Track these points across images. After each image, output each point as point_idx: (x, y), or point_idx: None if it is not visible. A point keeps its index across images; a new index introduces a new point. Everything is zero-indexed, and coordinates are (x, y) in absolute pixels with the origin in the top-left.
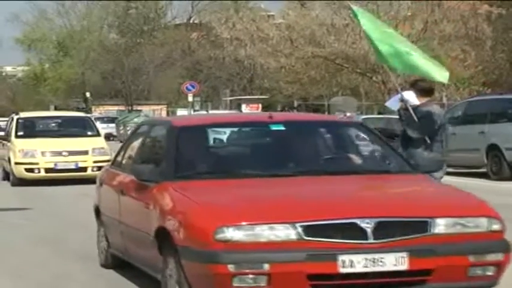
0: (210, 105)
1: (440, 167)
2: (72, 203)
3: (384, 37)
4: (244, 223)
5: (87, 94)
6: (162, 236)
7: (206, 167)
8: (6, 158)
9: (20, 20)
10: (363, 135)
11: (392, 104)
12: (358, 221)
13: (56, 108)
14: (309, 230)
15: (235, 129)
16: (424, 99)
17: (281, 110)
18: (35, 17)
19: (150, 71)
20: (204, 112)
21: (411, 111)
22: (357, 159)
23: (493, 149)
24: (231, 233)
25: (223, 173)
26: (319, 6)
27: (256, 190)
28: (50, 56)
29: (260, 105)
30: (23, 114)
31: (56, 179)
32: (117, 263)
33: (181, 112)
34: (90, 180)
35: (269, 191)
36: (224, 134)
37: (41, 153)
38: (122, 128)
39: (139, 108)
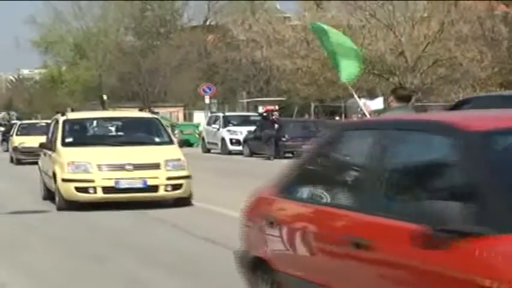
0: (227, 107)
1: None
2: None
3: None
4: None
5: (104, 96)
6: None
7: None
8: (50, 173)
9: (36, 23)
10: None
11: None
12: None
13: (72, 111)
14: None
15: None
16: (401, 104)
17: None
18: (52, 19)
19: (166, 73)
20: (221, 114)
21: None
22: None
23: None
24: None
25: None
26: (336, 8)
27: None
28: (66, 59)
29: (277, 107)
30: (71, 115)
31: (116, 202)
32: None
33: (198, 114)
34: (163, 204)
35: None
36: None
37: (97, 166)
38: None
39: (156, 110)
